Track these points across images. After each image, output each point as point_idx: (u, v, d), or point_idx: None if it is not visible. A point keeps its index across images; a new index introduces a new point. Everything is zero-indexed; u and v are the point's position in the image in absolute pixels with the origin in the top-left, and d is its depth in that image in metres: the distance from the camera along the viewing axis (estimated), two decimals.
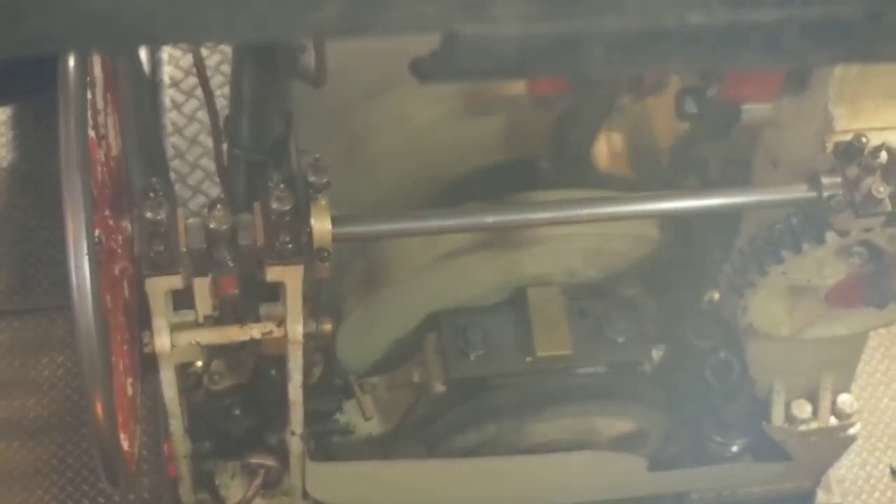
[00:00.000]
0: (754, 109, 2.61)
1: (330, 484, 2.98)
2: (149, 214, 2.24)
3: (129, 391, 2.44)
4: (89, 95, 2.23)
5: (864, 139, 2.41)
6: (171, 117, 3.96)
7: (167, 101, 3.97)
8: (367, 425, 3.09)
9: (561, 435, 3.03)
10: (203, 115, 3.92)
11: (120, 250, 2.35)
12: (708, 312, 3.11)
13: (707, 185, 2.83)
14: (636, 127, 3.03)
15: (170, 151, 3.89)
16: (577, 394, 2.97)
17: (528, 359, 2.91)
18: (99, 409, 2.14)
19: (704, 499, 3.53)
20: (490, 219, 2.44)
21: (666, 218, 2.85)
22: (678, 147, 2.91)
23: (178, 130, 3.94)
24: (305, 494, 2.99)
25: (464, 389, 2.94)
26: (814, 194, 2.43)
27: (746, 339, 2.97)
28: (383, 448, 3.10)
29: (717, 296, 3.06)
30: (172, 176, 3.80)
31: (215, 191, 3.77)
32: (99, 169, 2.31)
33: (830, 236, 2.48)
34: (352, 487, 3.03)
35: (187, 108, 3.99)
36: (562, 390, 2.96)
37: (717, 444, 3.17)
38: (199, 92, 3.94)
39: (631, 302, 3.02)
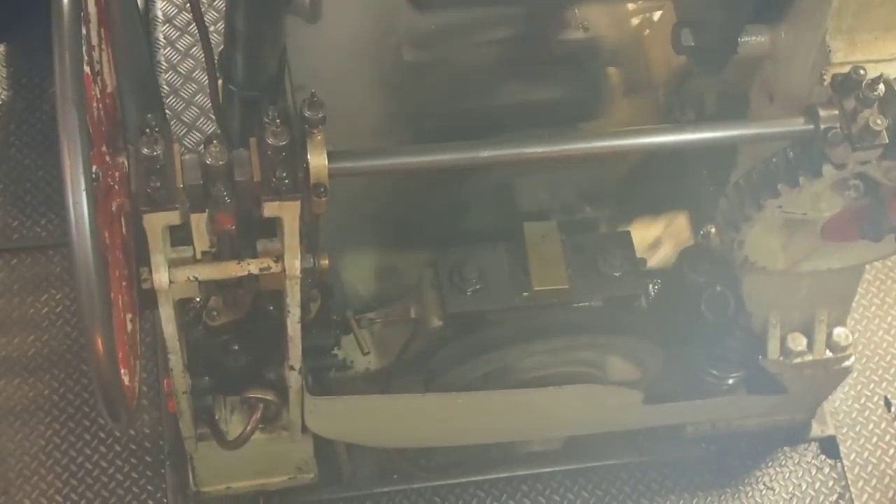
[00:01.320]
0: (751, 42, 2.60)
1: (328, 418, 3.00)
2: (145, 150, 2.24)
3: (129, 327, 2.45)
4: (83, 31, 2.22)
5: (861, 71, 2.41)
6: (165, 54, 3.94)
7: (161, 38, 3.96)
8: (365, 360, 3.11)
9: (557, 369, 3.05)
10: (197, 51, 3.91)
11: (117, 186, 2.35)
12: (703, 247, 3.12)
13: (703, 120, 2.83)
14: (631, 61, 3.02)
15: (164, 88, 3.88)
16: (573, 328, 2.99)
17: (525, 293, 2.92)
18: (99, 344, 2.14)
19: (699, 431, 3.57)
20: (486, 153, 2.43)
21: (662, 152, 2.85)
22: (674, 81, 2.90)
23: (173, 67, 3.93)
24: (304, 428, 3.02)
25: (461, 324, 2.96)
26: (810, 127, 2.43)
27: (742, 273, 2.98)
28: (381, 383, 3.12)
29: (712, 230, 3.07)
30: (167, 113, 3.79)
31: (210, 127, 3.76)
32: (94, 105, 2.31)
33: (827, 169, 2.48)
34: (350, 421, 3.05)
35: (181, 45, 3.97)
36: (558, 324, 2.97)
37: (713, 378, 3.19)
38: (193, 28, 3.93)
39: (627, 236, 3.02)
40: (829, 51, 2.47)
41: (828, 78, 2.47)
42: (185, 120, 3.86)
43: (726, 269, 3.01)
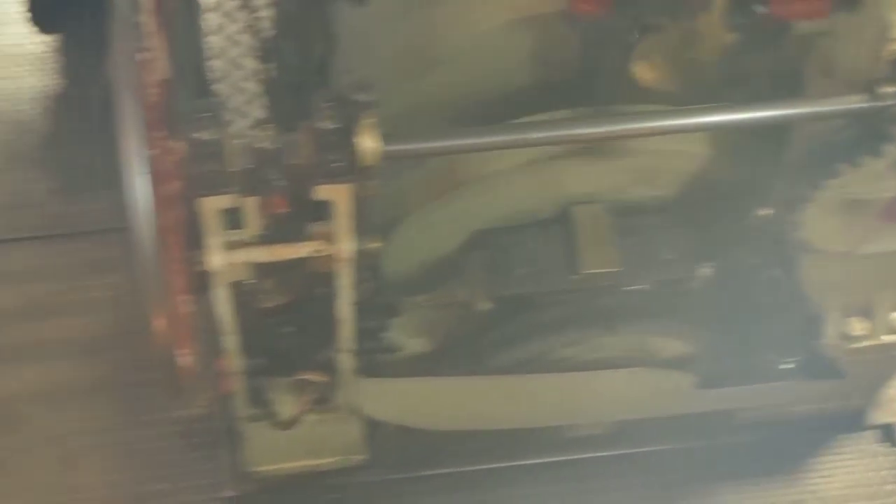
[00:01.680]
0: None
1: (378, 399, 3.02)
2: (199, 135, 2.27)
3: (185, 309, 2.49)
4: (139, 19, 2.25)
5: None
6: (213, 40, 3.96)
7: (210, 24, 3.97)
8: (414, 342, 3.12)
9: (607, 352, 3.05)
10: (246, 37, 3.93)
11: (172, 171, 2.39)
12: (758, 229, 3.10)
13: (762, 98, 2.80)
14: (682, 40, 3.00)
15: (214, 74, 3.91)
16: (624, 311, 2.98)
17: (574, 276, 2.92)
18: (159, 324, 2.18)
19: (751, 417, 3.54)
20: (537, 135, 2.44)
21: (718, 131, 2.82)
22: (726, 59, 2.88)
23: (221, 53, 3.94)
24: (355, 410, 3.04)
25: (509, 307, 2.96)
26: (871, 105, 2.40)
27: (799, 256, 2.94)
28: (429, 365, 3.13)
29: (767, 212, 3.04)
30: (217, 98, 3.82)
31: (259, 114, 3.79)
32: (149, 91, 2.34)
33: (888, 148, 2.44)
34: (399, 403, 3.08)
35: (230, 31, 3.99)
36: (608, 308, 2.97)
37: (768, 362, 3.16)
38: (241, 14, 3.96)
39: (679, 219, 3.01)
40: (890, 26, 2.43)
41: (888, 54, 2.43)
42: (235, 106, 3.88)
43: (783, 251, 2.98)
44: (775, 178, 2.74)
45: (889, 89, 2.38)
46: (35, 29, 4.19)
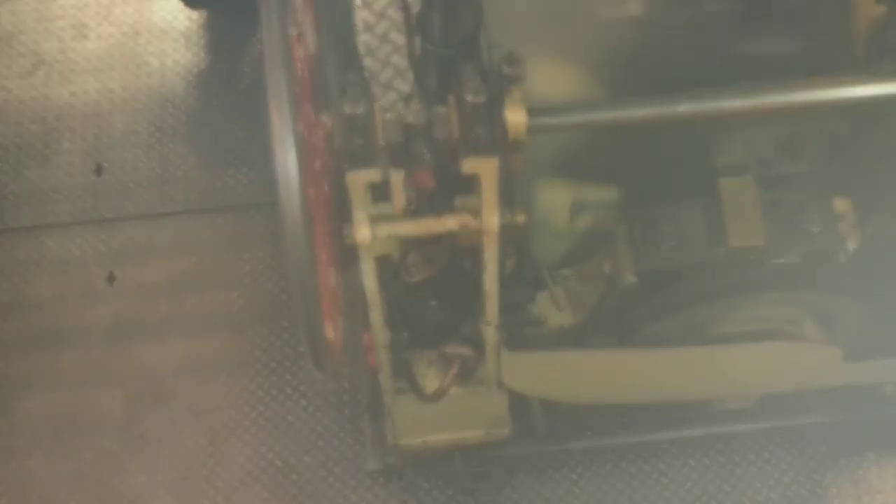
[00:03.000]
0: None
1: (524, 373, 3.03)
2: (348, 109, 2.29)
3: (332, 282, 2.52)
4: None
5: None
6: (361, 15, 4.00)
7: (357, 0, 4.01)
8: (559, 316, 3.12)
9: (754, 326, 3.03)
10: (393, 12, 3.96)
11: (321, 145, 2.41)
12: None
13: None
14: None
15: (361, 49, 3.94)
16: (770, 284, 2.95)
17: (720, 249, 2.90)
18: (306, 297, 2.21)
19: None
20: (683, 108, 2.42)
21: (865, 105, 2.77)
22: (875, 32, 2.83)
23: (369, 28, 3.98)
24: (500, 384, 3.05)
25: (655, 281, 2.95)
26: None
27: None
28: (575, 339, 3.13)
29: None
30: (365, 73, 3.85)
31: (406, 88, 3.81)
32: (299, 66, 2.37)
33: None
34: (545, 377, 3.08)
35: (377, 6, 4.02)
36: (754, 281, 2.95)
37: None
38: None
39: (826, 192, 2.97)
40: None
41: None
42: (382, 80, 3.92)
43: None
44: None
45: None
46: (184, 4, 4.26)
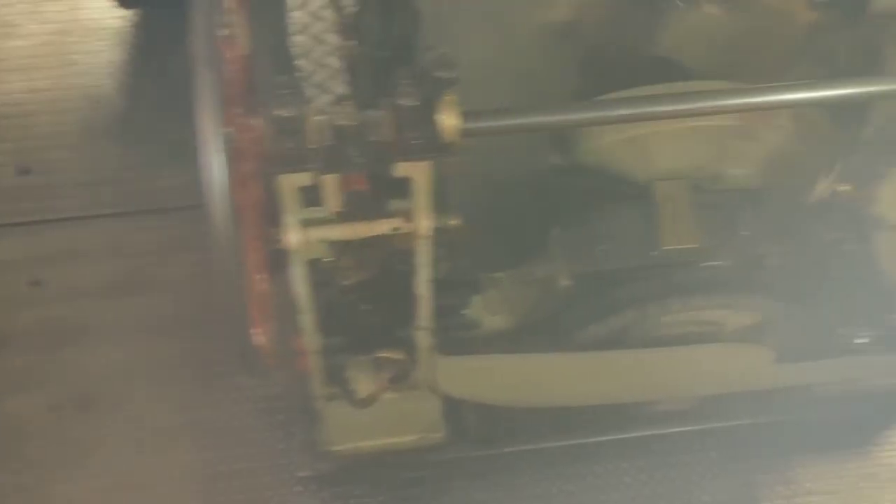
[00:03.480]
0: None
1: (457, 377, 3.02)
2: (279, 112, 2.26)
3: (262, 287, 2.49)
4: None
5: None
6: (296, 15, 3.96)
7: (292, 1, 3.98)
8: (493, 320, 3.11)
9: (687, 328, 3.03)
10: (329, 13, 3.93)
11: (251, 148, 2.38)
12: (835, 204, 3.07)
13: (840, 75, 2.78)
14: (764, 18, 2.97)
15: (295, 50, 3.91)
16: (704, 287, 2.96)
17: (654, 252, 2.91)
18: (235, 303, 2.18)
19: (830, 391, 3.52)
20: (619, 112, 2.42)
21: (798, 108, 2.80)
22: (807, 37, 2.85)
23: (304, 28, 3.95)
24: (433, 388, 3.04)
25: (589, 283, 2.95)
26: None
27: (875, 231, 2.93)
28: (509, 342, 3.12)
29: (844, 187, 3.02)
30: (298, 75, 3.82)
31: (341, 90, 3.79)
32: (229, 67, 2.34)
33: None
34: (479, 381, 3.07)
35: (312, 7, 3.99)
36: (688, 283, 2.95)
37: (844, 336, 3.14)
38: None
39: (757, 195, 2.99)
40: None
41: None
42: (317, 82, 3.89)
43: (858, 226, 2.96)
44: (852, 155, 2.71)
45: None
46: (114, 3, 4.21)
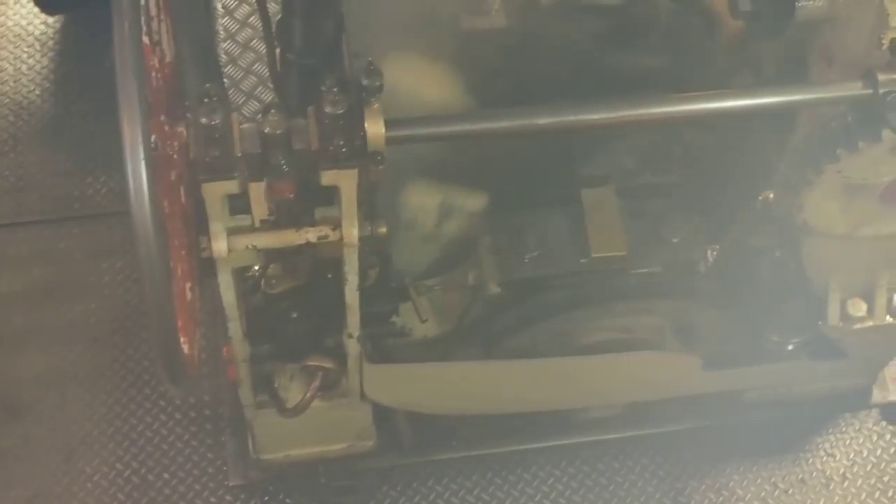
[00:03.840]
0: (809, 6, 2.58)
1: (387, 385, 3.01)
2: (204, 120, 2.25)
3: (188, 296, 2.47)
4: (142, 1, 2.23)
5: None
6: (223, 23, 3.96)
7: (219, 7, 3.98)
8: (423, 327, 3.11)
9: (616, 335, 3.04)
10: (256, 20, 3.92)
11: (176, 156, 2.36)
12: (763, 211, 3.10)
13: (762, 84, 2.80)
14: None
15: (223, 57, 3.90)
16: (633, 294, 2.98)
17: (583, 260, 2.92)
18: (159, 312, 2.16)
19: (760, 397, 3.54)
20: (543, 120, 2.43)
21: (721, 117, 2.83)
22: (732, 45, 2.87)
23: (231, 36, 3.95)
24: (363, 396, 3.03)
25: (519, 291, 2.95)
26: (870, 91, 2.41)
27: (802, 238, 2.95)
28: (439, 350, 3.12)
29: (771, 195, 3.05)
30: (226, 82, 3.81)
31: (269, 96, 3.78)
32: (153, 75, 2.32)
33: (886, 133, 2.46)
34: (409, 389, 3.06)
35: (240, 14, 3.99)
36: (617, 290, 2.97)
37: (773, 343, 3.17)
38: None
39: (686, 201, 3.01)
40: (888, 14, 2.45)
41: (886, 41, 2.44)
42: (244, 89, 3.89)
43: (786, 233, 2.99)
44: (779, 162, 2.74)
45: (887, 77, 2.39)
46: (39, 9, 4.17)
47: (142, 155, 2.06)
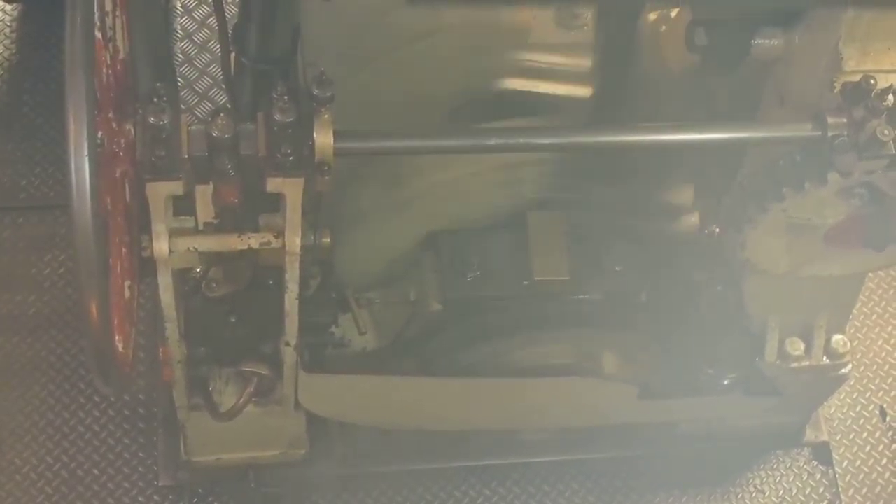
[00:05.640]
0: (765, 44, 2.59)
1: (322, 395, 3.00)
2: (152, 119, 2.24)
3: (127, 294, 2.46)
4: None
5: (872, 81, 2.41)
6: (181, 22, 3.94)
7: (178, 6, 3.96)
8: (362, 340, 3.11)
9: (553, 360, 3.05)
10: (213, 21, 3.90)
11: (122, 153, 2.35)
12: (706, 246, 3.12)
13: (713, 119, 2.82)
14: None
15: (179, 56, 3.89)
16: (572, 320, 2.99)
17: (525, 283, 2.92)
18: (93, 308, 2.15)
19: (693, 429, 3.56)
20: (492, 141, 2.43)
21: (670, 149, 2.84)
22: (687, 79, 2.89)
23: (188, 35, 3.93)
24: (297, 404, 3.02)
25: (459, 310, 2.96)
26: (818, 133, 2.43)
27: (744, 274, 2.97)
28: (376, 363, 3.12)
29: (716, 229, 3.06)
30: (180, 82, 3.79)
31: (223, 98, 3.76)
32: (104, 71, 2.31)
33: (832, 176, 2.48)
34: (343, 400, 3.06)
35: (198, 14, 3.98)
36: (557, 316, 2.98)
37: (709, 377, 3.18)
38: None
39: (630, 231, 3.02)
40: (842, 58, 2.47)
41: (838, 85, 2.47)
42: (198, 89, 3.87)
43: (728, 269, 3.01)
44: (725, 197, 2.75)
45: (836, 120, 2.41)
46: None
47: (86, 150, 2.04)
